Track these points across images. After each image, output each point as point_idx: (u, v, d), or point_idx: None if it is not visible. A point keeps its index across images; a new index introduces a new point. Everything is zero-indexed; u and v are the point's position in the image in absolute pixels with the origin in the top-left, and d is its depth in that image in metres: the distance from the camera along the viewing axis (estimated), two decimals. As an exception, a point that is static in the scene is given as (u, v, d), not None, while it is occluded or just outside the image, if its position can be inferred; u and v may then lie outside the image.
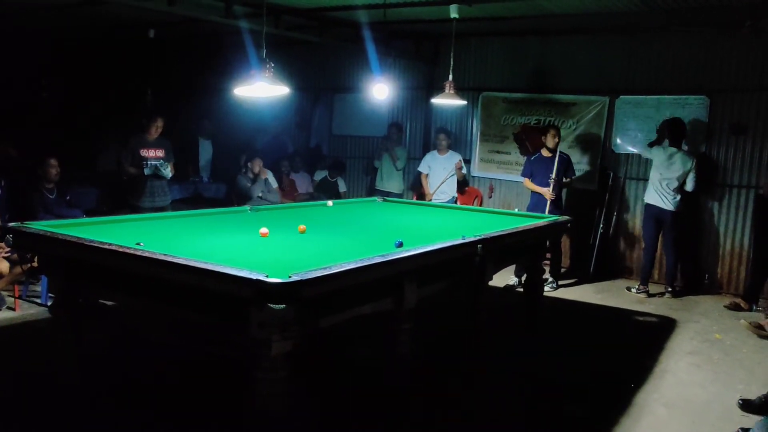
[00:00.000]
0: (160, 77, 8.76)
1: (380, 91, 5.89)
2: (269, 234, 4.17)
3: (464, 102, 6.37)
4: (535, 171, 7.05)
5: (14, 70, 8.47)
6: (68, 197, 6.30)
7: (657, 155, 6.95)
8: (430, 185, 8.03)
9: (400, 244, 3.87)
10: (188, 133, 9.12)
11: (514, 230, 4.83)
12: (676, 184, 6.80)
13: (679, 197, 6.84)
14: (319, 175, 9.34)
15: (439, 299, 4.26)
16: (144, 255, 3.13)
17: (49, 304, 4.69)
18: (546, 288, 6.83)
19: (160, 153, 6.66)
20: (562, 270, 7.65)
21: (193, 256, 3.15)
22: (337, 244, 4.14)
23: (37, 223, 3.92)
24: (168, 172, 6.65)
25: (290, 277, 2.82)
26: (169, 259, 3.04)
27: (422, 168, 8.20)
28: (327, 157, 9.86)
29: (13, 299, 5.54)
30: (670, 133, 6.91)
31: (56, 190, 6.17)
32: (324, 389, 4.07)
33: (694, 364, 4.95)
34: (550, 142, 6.98)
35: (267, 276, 2.79)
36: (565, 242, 7.86)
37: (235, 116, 9.17)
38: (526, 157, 7.44)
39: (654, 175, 6.95)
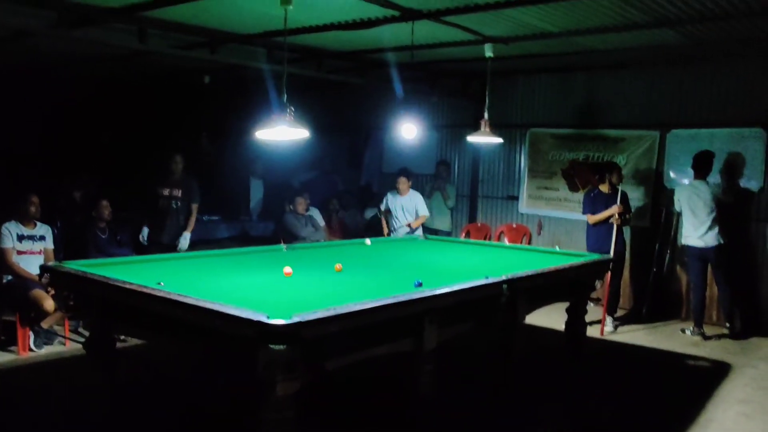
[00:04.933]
0: (213, 120, 9.10)
1: (408, 130, 5.93)
2: (293, 273, 4.22)
3: (500, 140, 6.32)
4: (596, 207, 6.86)
5: (76, 118, 8.97)
6: (119, 237, 6.57)
7: (681, 195, 6.80)
8: (392, 225, 7.99)
9: (420, 284, 3.84)
10: (240, 174, 9.38)
11: (544, 270, 4.72)
12: (707, 217, 6.56)
13: (716, 230, 6.57)
14: (370, 213, 9.40)
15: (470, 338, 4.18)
16: (156, 294, 3.22)
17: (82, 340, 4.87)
18: (607, 329, 6.70)
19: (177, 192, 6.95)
20: (623, 312, 7.41)
21: (209, 296, 3.22)
22: (359, 284, 4.13)
23: (72, 263, 4.10)
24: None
25: (292, 317, 2.84)
26: (178, 298, 3.12)
27: (382, 205, 8.21)
28: (377, 195, 9.93)
29: (63, 336, 5.79)
30: (694, 165, 6.76)
31: (108, 230, 6.45)
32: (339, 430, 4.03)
33: (743, 413, 4.63)
34: (616, 179, 6.87)
35: (268, 317, 2.82)
36: (625, 282, 7.59)
37: (283, 155, 9.37)
38: (585, 194, 7.28)
39: (684, 214, 6.77)
